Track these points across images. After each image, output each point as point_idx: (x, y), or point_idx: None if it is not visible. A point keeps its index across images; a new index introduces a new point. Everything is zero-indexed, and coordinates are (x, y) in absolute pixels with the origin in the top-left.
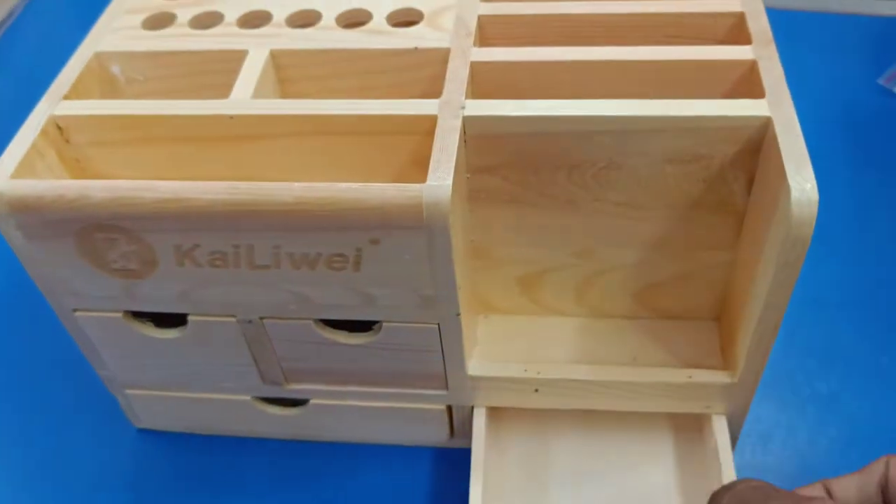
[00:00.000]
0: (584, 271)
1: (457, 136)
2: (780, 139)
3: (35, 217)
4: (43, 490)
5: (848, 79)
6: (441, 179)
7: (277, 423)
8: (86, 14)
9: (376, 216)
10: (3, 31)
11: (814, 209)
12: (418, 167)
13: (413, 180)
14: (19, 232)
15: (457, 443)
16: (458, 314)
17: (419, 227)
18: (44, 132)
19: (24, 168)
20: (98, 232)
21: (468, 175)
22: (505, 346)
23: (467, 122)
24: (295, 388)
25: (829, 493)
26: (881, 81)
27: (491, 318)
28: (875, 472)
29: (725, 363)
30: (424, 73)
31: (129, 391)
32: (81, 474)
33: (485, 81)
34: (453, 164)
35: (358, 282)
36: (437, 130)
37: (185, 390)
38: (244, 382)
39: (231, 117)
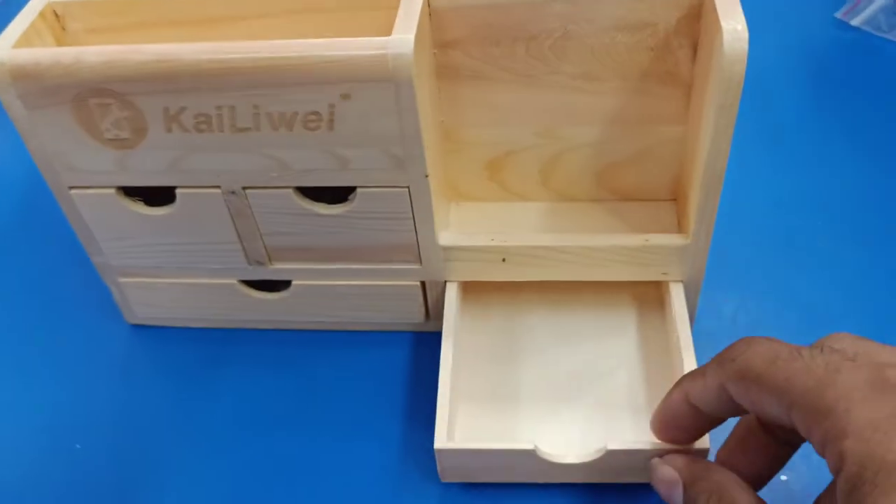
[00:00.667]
0: (546, 151)
1: (419, 7)
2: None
3: (34, 84)
4: (38, 383)
5: (806, 14)
6: (404, 34)
7: (262, 308)
8: None
9: (345, 69)
10: None
11: (744, 45)
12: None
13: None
14: (20, 101)
15: (432, 326)
16: (427, 175)
17: (386, 79)
18: (42, 15)
19: (25, 41)
20: (92, 97)
21: (434, 51)
22: (475, 226)
23: None
24: (278, 268)
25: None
26: (838, 15)
27: (462, 204)
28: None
29: (680, 231)
30: None
31: (121, 279)
32: (75, 366)
33: None
34: (415, 24)
35: (332, 142)
36: (402, 2)
37: (175, 276)
38: (230, 262)
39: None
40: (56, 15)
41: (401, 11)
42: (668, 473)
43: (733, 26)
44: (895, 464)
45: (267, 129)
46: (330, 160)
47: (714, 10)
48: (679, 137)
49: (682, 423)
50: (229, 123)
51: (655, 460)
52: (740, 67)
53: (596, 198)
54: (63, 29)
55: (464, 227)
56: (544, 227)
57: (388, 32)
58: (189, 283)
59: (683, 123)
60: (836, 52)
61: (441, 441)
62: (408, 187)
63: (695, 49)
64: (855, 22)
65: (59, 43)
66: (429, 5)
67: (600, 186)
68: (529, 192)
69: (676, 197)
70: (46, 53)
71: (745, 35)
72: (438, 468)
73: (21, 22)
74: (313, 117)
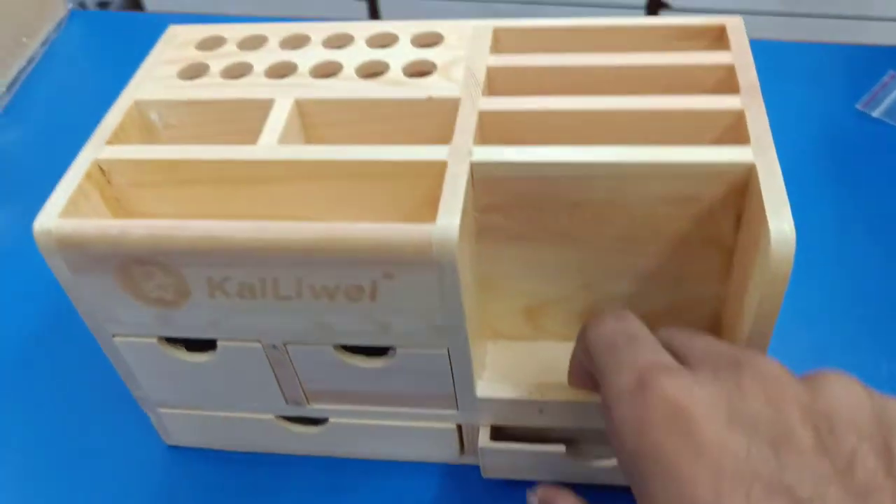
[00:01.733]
0: (584, 302)
1: (465, 180)
2: (762, 183)
3: (80, 253)
4: (73, 502)
5: (828, 105)
6: (449, 219)
7: (299, 440)
8: (105, 57)
9: (389, 253)
10: (27, 75)
11: (791, 248)
12: (430, 207)
13: (425, 219)
14: (65, 265)
15: (467, 459)
16: (467, 341)
17: (429, 263)
18: (88, 175)
19: (71, 208)
20: (137, 266)
21: (476, 214)
22: (512, 370)
23: (474, 166)
24: (316, 408)
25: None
26: (859, 106)
27: (499, 343)
28: None
29: None
30: (436, 119)
31: (161, 410)
32: (112, 488)
33: (492, 128)
34: (461, 205)
35: (374, 311)
36: (447, 175)
37: (214, 409)
38: (268, 402)
39: (258, 162)
40: (102, 171)
41: (446, 189)
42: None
43: (781, 227)
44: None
45: (309, 297)
46: (370, 325)
47: (760, 195)
48: (718, 294)
49: (583, 373)
50: (272, 292)
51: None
52: (786, 269)
53: None
54: (108, 182)
55: (501, 368)
56: None
57: (432, 203)
58: (227, 417)
59: (724, 283)
60: (858, 144)
61: None
62: (447, 349)
63: (738, 219)
64: (876, 113)
65: (104, 197)
66: (472, 176)
67: None
68: (567, 334)
69: None
70: (92, 225)
71: (793, 237)
72: None
73: (68, 184)
74: (355, 290)
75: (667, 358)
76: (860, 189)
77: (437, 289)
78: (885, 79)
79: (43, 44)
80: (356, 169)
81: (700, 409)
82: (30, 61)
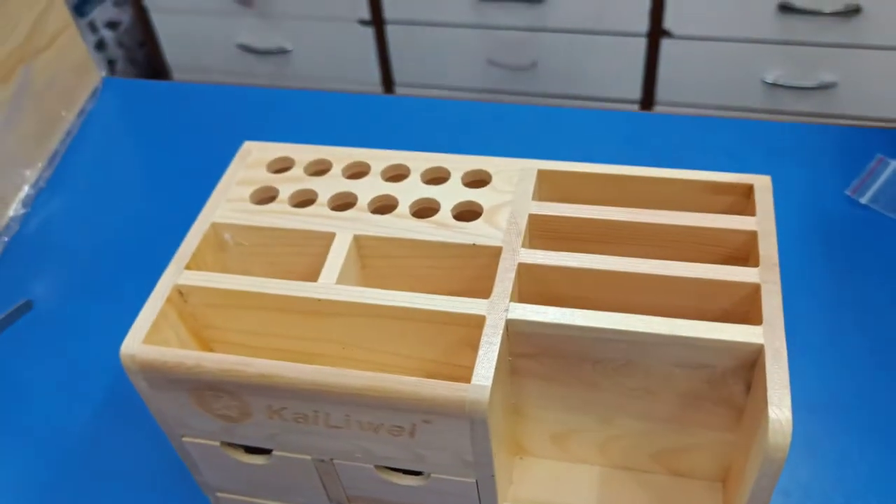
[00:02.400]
0: (605, 434)
1: (500, 336)
2: (767, 368)
3: (159, 375)
4: None
5: (819, 189)
6: (482, 382)
7: None
8: (138, 126)
9: (429, 405)
10: (67, 147)
11: (787, 438)
12: (468, 349)
13: (463, 359)
14: (145, 382)
15: None
16: (493, 476)
17: (463, 417)
18: (169, 298)
19: (154, 332)
20: (207, 390)
21: (510, 357)
22: (537, 490)
23: (509, 322)
24: None
25: None
26: (849, 192)
27: (526, 460)
28: None
29: None
30: (480, 262)
31: (220, 494)
32: None
33: (529, 279)
34: (494, 365)
35: (412, 445)
36: (485, 329)
37: (266, 499)
38: (314, 499)
39: (318, 300)
40: (181, 293)
41: (482, 350)
42: None
43: (779, 417)
44: None
45: (356, 429)
46: (408, 455)
47: (764, 379)
48: (729, 440)
49: None
50: (324, 421)
51: None
52: (782, 455)
53: (649, 469)
54: (185, 302)
55: (525, 487)
56: (599, 496)
57: (470, 344)
58: None
59: (734, 431)
60: (847, 230)
61: None
62: (476, 480)
63: (748, 387)
64: (864, 200)
65: (181, 314)
66: (507, 329)
67: (653, 462)
68: (589, 458)
69: (724, 479)
70: (171, 354)
71: (790, 428)
72: None
73: (151, 308)
74: (397, 429)
75: None
76: (850, 275)
77: (469, 435)
78: (873, 164)
79: (79, 114)
80: (404, 314)
81: None
82: (68, 133)
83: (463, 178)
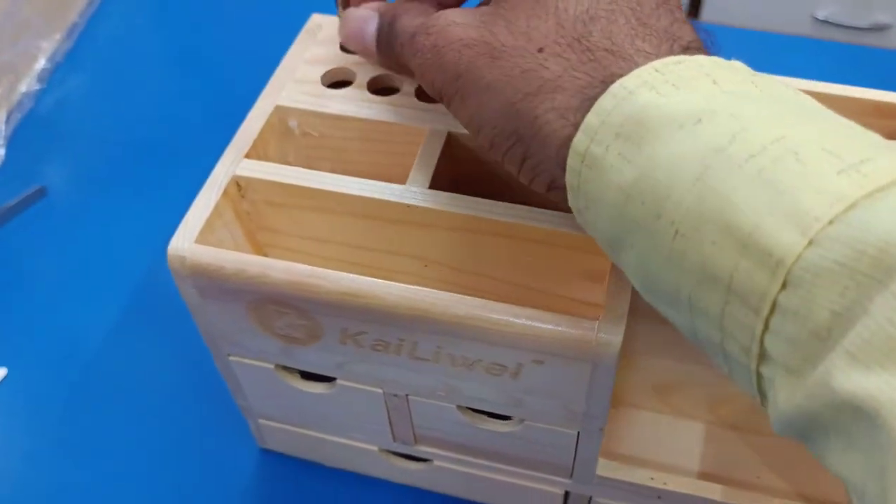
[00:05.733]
0: (716, 391)
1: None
2: None
3: (214, 283)
4: (164, 499)
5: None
6: (615, 323)
7: (399, 473)
8: (169, 8)
9: (546, 343)
10: (87, 19)
11: None
12: (588, 280)
13: (577, 292)
14: (195, 290)
15: None
16: (602, 430)
17: (587, 360)
18: (225, 192)
19: (207, 231)
20: (271, 304)
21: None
22: (634, 444)
23: None
24: (423, 450)
25: None
26: None
27: (621, 410)
28: None
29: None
30: None
31: (262, 421)
32: (203, 486)
33: None
34: (628, 301)
35: (512, 387)
36: (610, 274)
37: (318, 431)
38: (376, 437)
39: (408, 206)
40: (239, 186)
41: (612, 286)
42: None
43: None
44: None
45: (446, 363)
46: (505, 398)
47: None
48: None
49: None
50: (408, 352)
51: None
52: None
53: (761, 431)
54: (243, 197)
55: (622, 441)
56: (703, 456)
57: (590, 276)
58: (331, 440)
59: None
60: None
61: None
62: (578, 432)
63: None
64: None
65: (237, 211)
66: None
67: (764, 419)
68: (693, 413)
69: None
70: (231, 259)
71: None
72: None
73: (204, 202)
74: (497, 368)
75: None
76: None
77: (587, 382)
78: None
79: None
80: (508, 229)
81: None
82: (90, 2)
83: None
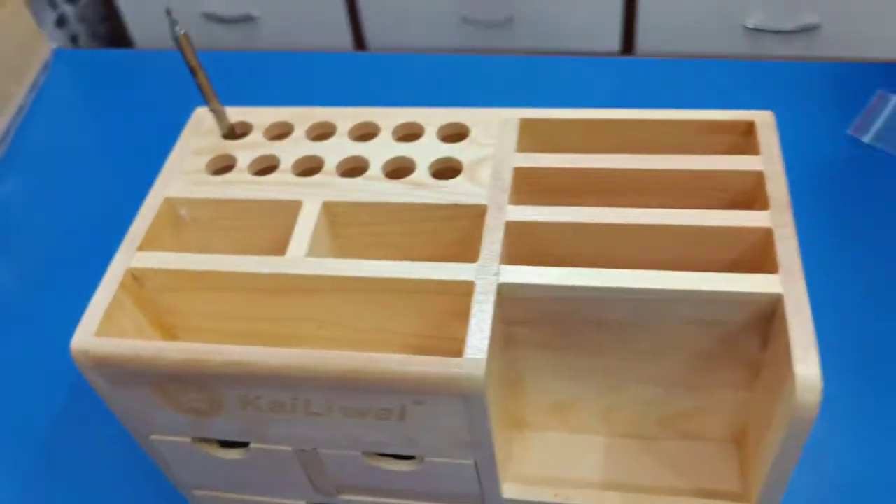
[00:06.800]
0: (609, 402)
1: (492, 303)
2: (789, 321)
3: (116, 370)
4: None
5: (821, 130)
6: (476, 354)
7: None
8: (94, 98)
9: (419, 385)
10: (19, 124)
11: (817, 396)
12: (458, 319)
13: (453, 332)
14: (102, 379)
15: None
16: (493, 455)
17: (457, 394)
18: (122, 284)
19: (107, 322)
20: (172, 383)
21: (504, 326)
22: (539, 464)
23: (501, 286)
24: (347, 498)
25: None
26: (850, 132)
27: (525, 434)
28: None
29: (744, 489)
30: (463, 223)
31: (196, 492)
32: None
33: (518, 238)
34: (488, 336)
35: (402, 428)
36: (475, 297)
37: (248, 494)
38: (301, 491)
39: (287, 276)
40: (135, 278)
41: (473, 320)
42: None
43: (808, 374)
44: None
45: (339, 415)
46: (399, 439)
47: (787, 333)
48: (745, 398)
49: None
50: (303, 409)
51: None
52: (812, 415)
53: (655, 436)
54: (141, 287)
55: (526, 463)
56: (603, 467)
57: (459, 315)
58: (260, 500)
59: (750, 390)
60: (853, 171)
61: None
62: (474, 461)
63: (765, 341)
64: (867, 139)
65: (137, 300)
66: (498, 294)
67: (660, 428)
68: (592, 427)
69: (739, 440)
70: (128, 346)
71: (820, 385)
72: None
73: (103, 296)
74: (385, 412)
75: None
76: (858, 219)
77: (465, 414)
78: (874, 101)
79: (31, 89)
80: (384, 285)
81: None
82: (20, 109)
83: (439, 133)
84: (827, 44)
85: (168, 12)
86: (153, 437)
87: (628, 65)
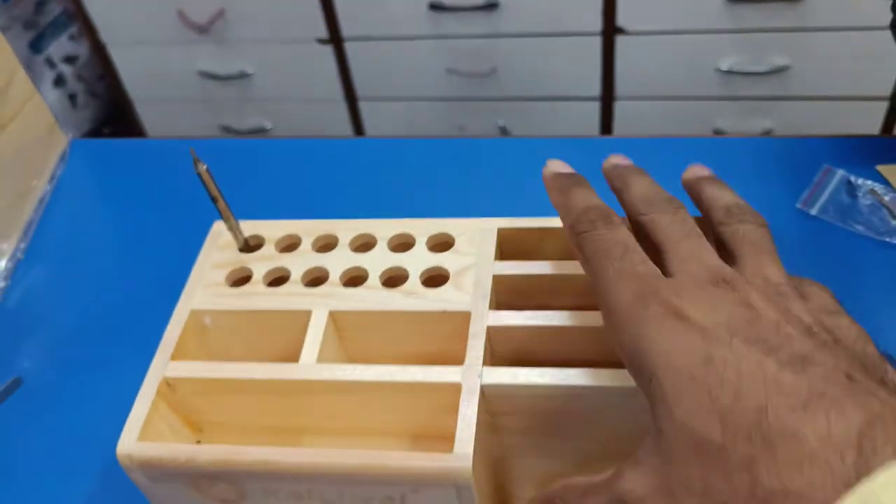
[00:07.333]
0: (593, 469)
1: (476, 402)
2: None
3: (156, 470)
4: None
5: (771, 203)
6: (463, 449)
7: None
8: (111, 186)
9: (415, 477)
10: (41, 216)
11: None
12: (447, 413)
13: (446, 421)
14: (143, 476)
15: None
16: None
17: (449, 485)
18: (159, 392)
19: (147, 427)
20: (203, 479)
21: (489, 416)
22: None
23: (484, 387)
24: None
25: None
26: (799, 205)
27: None
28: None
29: None
30: (451, 327)
31: None
32: None
33: (499, 341)
34: (473, 433)
35: None
36: (462, 396)
37: None
38: None
39: (301, 381)
40: (169, 384)
41: (461, 420)
42: None
43: None
44: None
45: (349, 502)
46: None
47: None
48: None
49: None
50: (318, 498)
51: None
52: None
53: None
54: (174, 392)
55: None
56: None
57: (449, 410)
58: None
59: None
60: (801, 243)
61: None
62: None
63: None
64: (814, 212)
65: (170, 403)
66: (483, 393)
67: None
68: None
69: None
70: (166, 449)
71: None
72: None
73: (143, 403)
74: (388, 500)
75: (654, 268)
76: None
77: (456, 499)
78: (820, 175)
79: (50, 180)
80: (381, 387)
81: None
82: (41, 201)
83: (428, 243)
84: (796, 84)
85: (192, 151)
86: None
87: (599, 146)
